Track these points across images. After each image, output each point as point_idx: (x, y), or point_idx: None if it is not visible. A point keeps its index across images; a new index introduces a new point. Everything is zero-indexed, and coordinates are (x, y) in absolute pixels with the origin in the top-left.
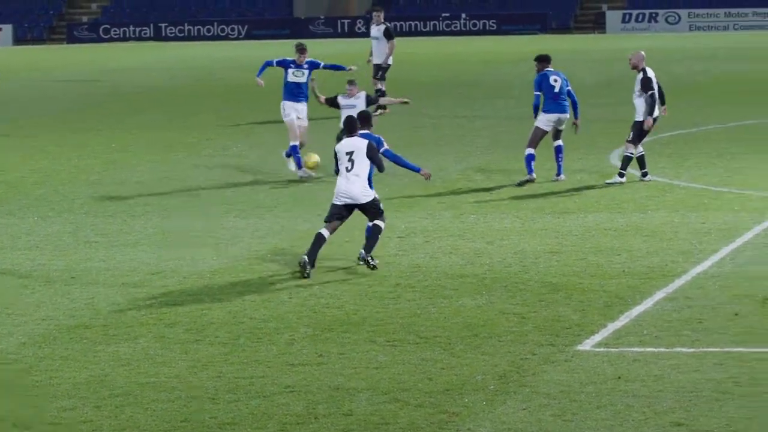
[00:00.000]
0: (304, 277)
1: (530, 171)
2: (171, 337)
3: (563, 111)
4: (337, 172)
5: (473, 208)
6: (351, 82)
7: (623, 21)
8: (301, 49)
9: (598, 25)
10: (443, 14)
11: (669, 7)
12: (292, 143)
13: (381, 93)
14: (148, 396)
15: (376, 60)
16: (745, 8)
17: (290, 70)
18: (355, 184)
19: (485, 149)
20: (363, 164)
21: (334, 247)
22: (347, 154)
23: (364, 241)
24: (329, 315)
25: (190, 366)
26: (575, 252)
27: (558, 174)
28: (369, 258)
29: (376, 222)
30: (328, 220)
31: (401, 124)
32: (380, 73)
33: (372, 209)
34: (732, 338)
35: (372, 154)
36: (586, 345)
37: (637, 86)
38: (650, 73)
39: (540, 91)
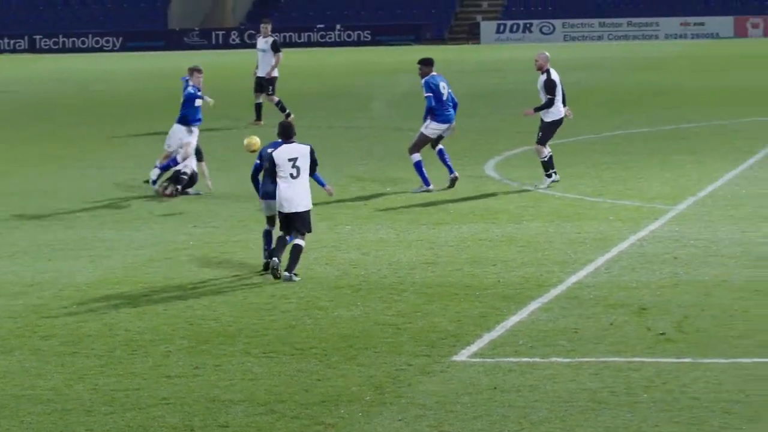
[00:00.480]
0: (276, 278)
1: (427, 182)
2: (46, 350)
3: (451, 120)
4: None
5: (348, 219)
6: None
7: (498, 31)
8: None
9: (472, 35)
10: (318, 25)
11: (543, 17)
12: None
13: (280, 105)
14: (23, 408)
15: (261, 72)
16: (620, 18)
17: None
18: (298, 191)
19: (360, 160)
20: (307, 171)
21: (215, 259)
22: (290, 160)
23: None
24: (205, 327)
25: (65, 378)
26: (450, 263)
27: (451, 172)
28: (293, 275)
29: (297, 242)
30: (280, 229)
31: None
32: (270, 88)
33: (303, 221)
34: (607, 348)
35: (315, 158)
36: (462, 355)
37: (541, 87)
38: (554, 74)
39: (431, 93)
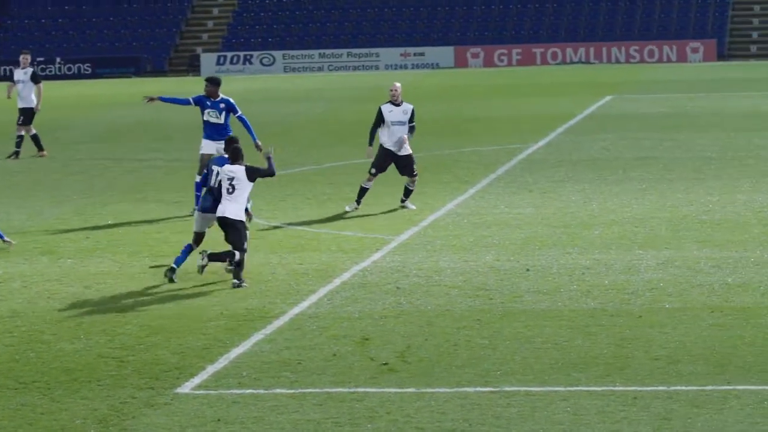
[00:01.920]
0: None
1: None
2: None
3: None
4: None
5: (70, 253)
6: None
7: (218, 63)
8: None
9: (192, 67)
10: (38, 59)
11: (263, 48)
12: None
13: (35, 137)
14: None
15: (23, 104)
16: (340, 49)
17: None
18: (230, 206)
19: (81, 193)
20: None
21: None
22: (229, 179)
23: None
24: None
25: None
26: (173, 295)
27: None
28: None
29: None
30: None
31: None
32: (31, 118)
33: (234, 232)
34: (330, 378)
35: (252, 176)
36: (186, 388)
37: (407, 117)
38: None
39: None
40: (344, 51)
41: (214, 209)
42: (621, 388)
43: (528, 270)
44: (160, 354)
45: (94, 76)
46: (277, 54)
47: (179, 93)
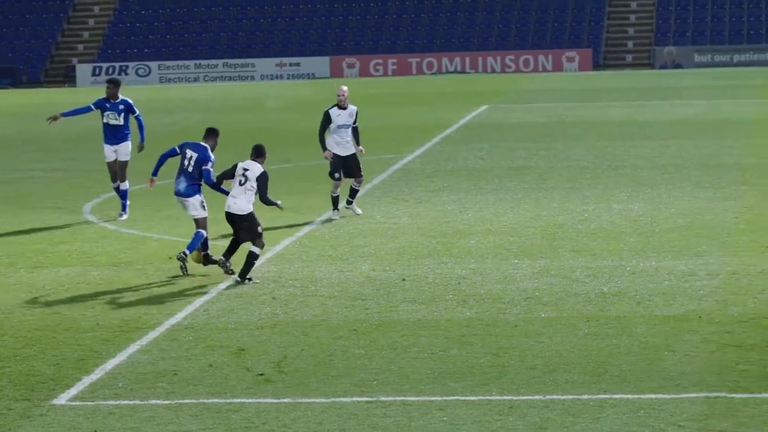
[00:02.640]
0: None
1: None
2: None
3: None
4: None
5: None
6: None
7: (94, 74)
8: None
9: (68, 78)
10: None
11: (139, 59)
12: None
13: None
14: None
15: None
16: (215, 60)
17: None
18: (236, 201)
19: None
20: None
21: None
22: (243, 170)
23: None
24: None
25: None
26: (49, 306)
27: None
28: (247, 279)
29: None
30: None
31: None
32: None
33: (244, 230)
34: (207, 389)
35: (261, 182)
36: (62, 399)
37: (352, 120)
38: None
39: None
40: (220, 61)
41: (182, 194)
42: (497, 398)
43: (404, 280)
44: (35, 365)
45: None
46: (153, 65)
47: (56, 104)
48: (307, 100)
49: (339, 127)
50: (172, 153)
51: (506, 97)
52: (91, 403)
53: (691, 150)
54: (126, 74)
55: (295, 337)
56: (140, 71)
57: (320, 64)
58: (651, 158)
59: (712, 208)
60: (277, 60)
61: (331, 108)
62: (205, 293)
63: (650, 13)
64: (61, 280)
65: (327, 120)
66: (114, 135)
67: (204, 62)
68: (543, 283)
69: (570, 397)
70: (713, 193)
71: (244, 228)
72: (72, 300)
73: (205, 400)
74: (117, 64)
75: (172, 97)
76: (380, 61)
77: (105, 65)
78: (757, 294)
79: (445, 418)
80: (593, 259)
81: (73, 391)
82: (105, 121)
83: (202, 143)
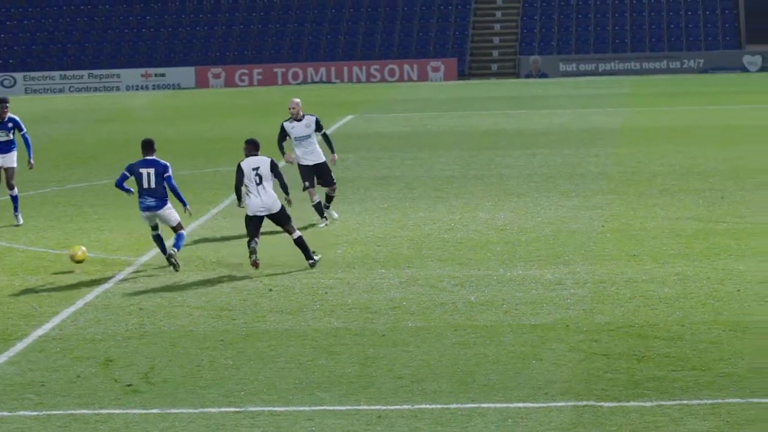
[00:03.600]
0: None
1: None
2: None
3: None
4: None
5: None
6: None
7: None
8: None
9: None
10: None
11: (4, 70)
12: None
13: None
14: None
15: None
16: (81, 70)
17: None
18: (263, 200)
19: None
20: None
21: None
22: (253, 170)
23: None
24: None
25: None
26: None
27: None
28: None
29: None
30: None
31: None
32: None
33: (283, 220)
34: (75, 400)
35: (275, 170)
36: None
37: (311, 129)
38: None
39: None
40: (85, 72)
41: (154, 208)
42: (365, 407)
43: (271, 290)
44: None
45: None
46: (18, 75)
47: None
48: (173, 111)
49: (298, 138)
50: (123, 178)
51: (371, 107)
52: None
53: (557, 159)
54: None
55: (163, 347)
56: (5, 82)
57: (185, 74)
58: (517, 167)
59: (578, 217)
60: (142, 70)
61: (285, 121)
62: (72, 304)
63: (515, 23)
64: None
65: (283, 132)
66: (2, 148)
67: (69, 73)
68: (410, 292)
69: (438, 406)
70: (579, 202)
71: (282, 220)
72: None
73: (74, 411)
74: None
75: (38, 108)
76: (246, 71)
77: None
78: (625, 302)
79: (313, 428)
80: (460, 268)
81: None
82: None
83: (150, 158)
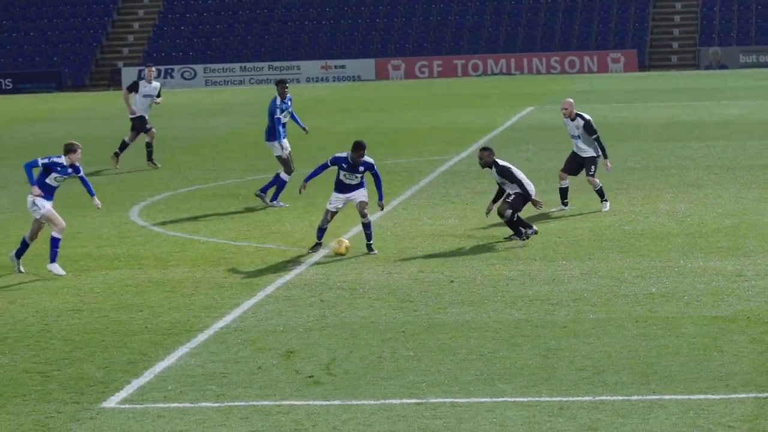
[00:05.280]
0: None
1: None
2: None
3: None
4: None
5: None
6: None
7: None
8: None
9: (114, 81)
10: None
11: (184, 62)
12: None
13: None
14: None
15: None
16: (261, 62)
17: None
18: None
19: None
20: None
21: None
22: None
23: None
24: None
25: None
26: (97, 309)
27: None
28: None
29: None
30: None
31: None
32: None
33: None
34: (256, 392)
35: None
36: (111, 402)
37: (580, 131)
38: (587, 116)
39: None
40: (265, 64)
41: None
42: (546, 399)
43: (452, 281)
44: (84, 368)
45: (15, 91)
46: (198, 68)
47: (101, 108)
48: (355, 103)
49: (572, 136)
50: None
51: (552, 99)
52: (141, 406)
53: (737, 150)
54: (171, 77)
55: (344, 339)
56: (186, 74)
57: (365, 66)
58: (697, 159)
59: (759, 209)
60: (323, 62)
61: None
62: (253, 296)
63: (695, 14)
64: (109, 284)
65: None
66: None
67: (249, 65)
68: (591, 284)
69: (619, 398)
70: (760, 194)
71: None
72: (120, 303)
73: (255, 403)
74: (162, 67)
75: (217, 100)
76: (426, 63)
77: (153, 68)
78: None
79: (494, 420)
80: (641, 259)
81: (122, 394)
82: None
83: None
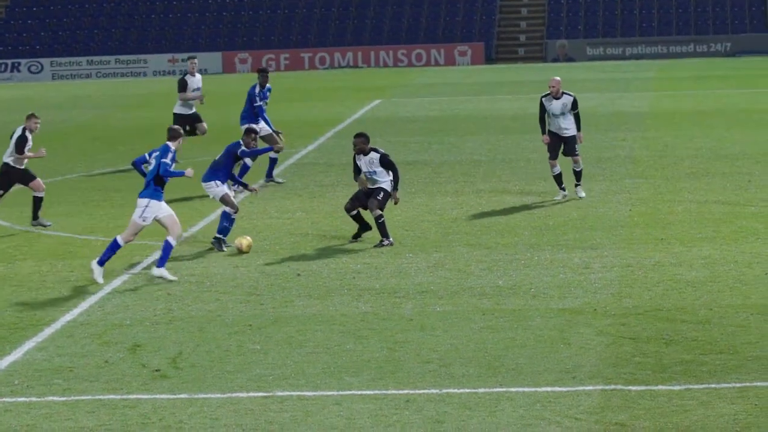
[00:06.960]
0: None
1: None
2: None
3: None
4: None
5: None
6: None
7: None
8: None
9: None
10: None
11: (31, 56)
12: None
13: None
14: None
15: None
16: (107, 56)
17: None
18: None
19: None
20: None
21: None
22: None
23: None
24: None
25: None
26: None
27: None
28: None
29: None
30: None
31: None
32: None
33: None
34: (103, 386)
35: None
36: None
37: (567, 108)
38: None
39: None
40: (112, 58)
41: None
42: (393, 392)
43: (299, 274)
44: None
45: None
46: (45, 61)
47: None
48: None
49: (554, 115)
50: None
51: (399, 92)
52: None
53: (585, 142)
54: (18, 71)
55: (191, 332)
56: (32, 68)
57: (212, 59)
58: (543, 151)
59: (605, 201)
60: (170, 56)
61: (544, 96)
62: (100, 290)
63: (542, 6)
64: None
65: (542, 108)
66: None
67: (96, 58)
68: (438, 276)
69: (466, 390)
70: (607, 186)
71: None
72: None
73: (102, 397)
74: (9, 61)
75: (65, 93)
76: (273, 56)
77: None
78: (652, 286)
79: (341, 413)
80: (488, 252)
81: None
82: None
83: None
